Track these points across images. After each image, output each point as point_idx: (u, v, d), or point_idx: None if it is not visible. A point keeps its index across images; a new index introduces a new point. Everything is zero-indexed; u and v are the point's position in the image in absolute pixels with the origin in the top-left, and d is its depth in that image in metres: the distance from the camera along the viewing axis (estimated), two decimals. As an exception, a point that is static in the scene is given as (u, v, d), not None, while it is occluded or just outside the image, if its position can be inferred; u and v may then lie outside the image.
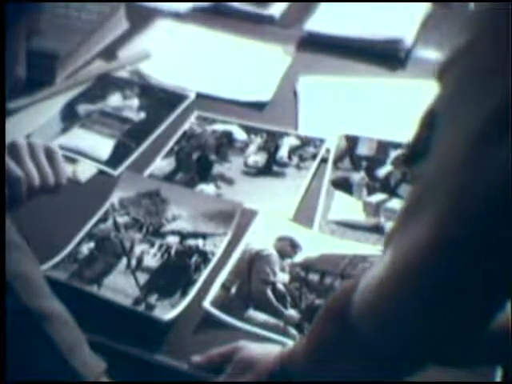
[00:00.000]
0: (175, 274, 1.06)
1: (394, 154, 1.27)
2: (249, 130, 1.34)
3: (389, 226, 1.14)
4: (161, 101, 1.42)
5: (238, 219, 1.14)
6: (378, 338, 0.68)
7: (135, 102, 1.41)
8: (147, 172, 1.25)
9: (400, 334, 0.67)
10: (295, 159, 1.28)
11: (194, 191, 1.21)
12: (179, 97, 1.42)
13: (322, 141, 1.32)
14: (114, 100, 1.41)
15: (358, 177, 1.24)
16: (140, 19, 1.63)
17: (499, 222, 0.58)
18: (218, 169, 1.26)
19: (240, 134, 1.33)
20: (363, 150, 1.29)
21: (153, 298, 1.02)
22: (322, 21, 1.61)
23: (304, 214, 1.18)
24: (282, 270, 1.08)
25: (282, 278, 1.07)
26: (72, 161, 1.26)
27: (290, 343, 0.96)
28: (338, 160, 1.27)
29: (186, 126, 1.35)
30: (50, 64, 1.41)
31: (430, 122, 0.64)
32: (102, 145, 1.30)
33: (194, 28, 1.63)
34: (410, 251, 0.63)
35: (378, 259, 0.69)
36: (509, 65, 0.57)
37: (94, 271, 1.06)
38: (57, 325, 0.85)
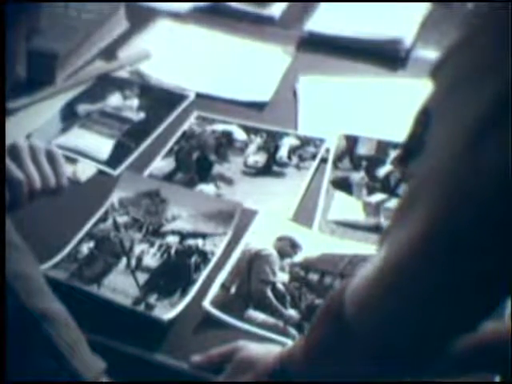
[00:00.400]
0: (175, 273, 1.06)
1: (393, 153, 1.27)
2: (248, 130, 1.34)
3: (388, 225, 1.14)
4: (160, 101, 1.42)
5: (237, 219, 1.14)
6: (372, 336, 0.68)
7: (135, 102, 1.41)
8: (147, 172, 1.25)
9: (392, 331, 0.67)
10: (295, 159, 1.28)
11: (193, 191, 1.21)
12: (179, 97, 1.42)
13: (321, 141, 1.32)
14: (114, 100, 1.41)
15: (357, 177, 1.24)
16: (140, 19, 1.63)
17: (491, 219, 0.58)
18: (217, 169, 1.26)
19: (240, 134, 1.33)
20: (363, 149, 1.30)
21: (152, 298, 1.02)
22: (322, 21, 1.61)
23: (304, 214, 1.18)
24: (282, 269, 1.08)
25: (281, 277, 1.07)
26: (72, 161, 1.26)
27: (290, 343, 0.96)
28: (337, 160, 1.27)
29: (185, 126, 1.35)
30: (50, 64, 1.41)
31: (423, 119, 0.65)
32: (101, 145, 1.30)
33: (194, 28, 1.63)
34: (402, 247, 0.63)
35: (372, 258, 0.69)
36: (502, 62, 0.57)
37: (93, 271, 1.06)
38: (57, 325, 0.85)
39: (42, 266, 1.03)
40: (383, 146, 1.29)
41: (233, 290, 1.05)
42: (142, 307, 1.01)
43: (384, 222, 1.16)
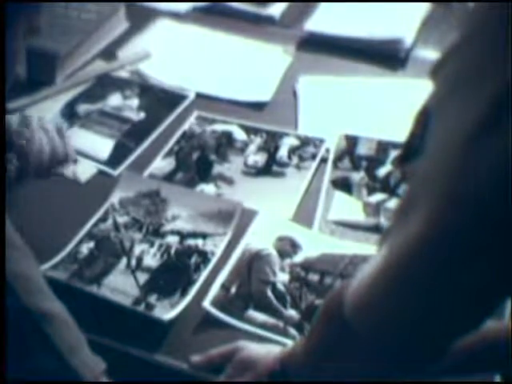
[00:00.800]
0: (175, 273, 1.06)
1: (393, 153, 1.27)
2: (248, 130, 1.34)
3: (388, 226, 1.14)
4: (161, 101, 1.42)
5: (237, 219, 1.14)
6: (372, 336, 0.68)
7: (135, 102, 1.41)
8: (147, 172, 1.25)
9: (392, 331, 0.67)
10: (295, 159, 1.28)
11: (193, 191, 1.21)
12: (179, 97, 1.42)
13: (321, 141, 1.32)
14: (114, 100, 1.41)
15: (357, 177, 1.24)
16: (140, 19, 1.63)
17: (491, 220, 0.58)
18: (217, 169, 1.26)
19: (240, 134, 1.33)
20: (363, 149, 1.29)
21: (153, 298, 1.02)
22: (322, 21, 1.61)
23: (304, 214, 1.18)
24: (282, 269, 1.08)
25: (281, 278, 1.07)
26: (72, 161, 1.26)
27: (290, 343, 0.96)
28: (337, 160, 1.27)
29: (185, 126, 1.35)
30: (50, 64, 1.41)
31: (423, 119, 0.65)
32: (101, 145, 1.30)
33: (194, 28, 1.63)
34: (402, 248, 0.63)
35: (371, 258, 0.69)
36: (502, 62, 0.57)
37: (93, 271, 1.06)
38: (57, 325, 0.85)
39: (42, 266, 1.03)
40: (383, 146, 1.29)
41: (233, 290, 1.05)
42: (142, 307, 1.01)
43: (384, 222, 1.16)
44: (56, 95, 1.41)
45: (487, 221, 0.58)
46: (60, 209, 1.15)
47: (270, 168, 1.27)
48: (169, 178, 1.24)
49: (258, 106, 1.41)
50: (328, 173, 1.25)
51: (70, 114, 1.37)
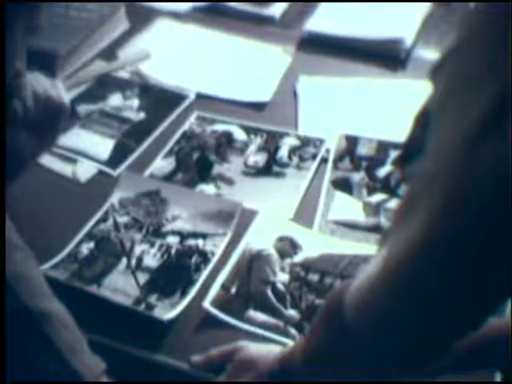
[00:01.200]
0: (175, 273, 1.06)
1: (393, 154, 1.27)
2: (249, 130, 1.34)
3: (389, 226, 1.14)
4: (161, 101, 1.42)
5: (237, 219, 1.14)
6: (372, 337, 0.68)
7: (135, 102, 1.41)
8: (147, 172, 1.25)
9: (392, 331, 0.67)
10: (295, 159, 1.28)
11: (193, 191, 1.21)
12: (179, 97, 1.42)
13: (321, 141, 1.32)
14: (114, 100, 1.41)
15: (357, 177, 1.24)
16: (140, 19, 1.63)
17: (492, 220, 0.58)
18: (217, 169, 1.26)
19: (240, 134, 1.33)
20: (363, 150, 1.29)
21: (153, 298, 1.02)
22: (322, 21, 1.61)
23: (304, 214, 1.18)
24: (282, 269, 1.08)
25: (282, 278, 1.07)
26: (72, 161, 1.26)
27: (290, 343, 0.96)
28: (337, 160, 1.27)
29: (185, 126, 1.35)
30: (50, 63, 1.41)
31: (423, 120, 0.65)
32: (101, 145, 1.30)
33: (194, 28, 1.63)
34: (401, 249, 0.63)
35: (372, 259, 0.69)
36: (501, 63, 0.57)
37: (93, 271, 1.06)
38: (57, 325, 0.85)
39: (42, 266, 1.03)
40: (383, 147, 1.29)
41: (233, 290, 1.05)
42: (142, 307, 1.01)
43: (384, 222, 1.16)
44: (56, 95, 1.41)
45: (487, 221, 0.58)
46: (60, 209, 1.15)
47: (270, 168, 1.27)
48: (169, 178, 1.24)
49: (258, 106, 1.41)
50: (328, 173, 1.25)
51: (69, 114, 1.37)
